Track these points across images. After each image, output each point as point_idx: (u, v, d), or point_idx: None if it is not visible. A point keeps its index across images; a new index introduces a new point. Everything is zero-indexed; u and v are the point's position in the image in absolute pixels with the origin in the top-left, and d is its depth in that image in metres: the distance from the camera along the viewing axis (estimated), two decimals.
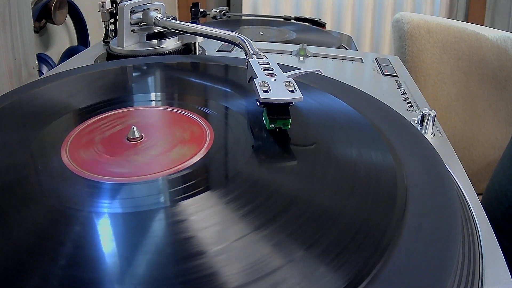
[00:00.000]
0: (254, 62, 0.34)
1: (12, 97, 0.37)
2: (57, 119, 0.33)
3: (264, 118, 0.30)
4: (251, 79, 0.32)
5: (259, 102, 0.29)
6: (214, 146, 0.29)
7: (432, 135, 0.37)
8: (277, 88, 0.30)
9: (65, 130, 0.31)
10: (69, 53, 0.85)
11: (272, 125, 0.29)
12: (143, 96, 0.37)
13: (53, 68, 0.69)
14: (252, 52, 0.38)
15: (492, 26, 1.55)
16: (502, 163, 0.55)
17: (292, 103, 0.29)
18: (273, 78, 0.31)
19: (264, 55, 0.37)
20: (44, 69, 0.76)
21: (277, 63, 0.34)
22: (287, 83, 0.30)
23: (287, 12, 1.65)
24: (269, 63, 0.34)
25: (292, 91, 0.30)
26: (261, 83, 0.30)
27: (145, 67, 0.44)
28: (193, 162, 0.27)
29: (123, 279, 0.19)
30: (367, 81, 0.51)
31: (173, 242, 0.21)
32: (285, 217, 0.22)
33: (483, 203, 0.28)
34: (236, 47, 0.54)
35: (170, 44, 0.52)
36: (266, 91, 0.29)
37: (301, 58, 0.57)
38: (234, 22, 0.98)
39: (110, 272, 0.19)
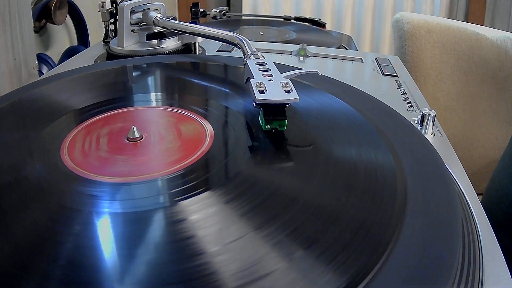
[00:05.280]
0: (251, 63, 0.34)
1: (12, 97, 0.37)
2: (57, 119, 0.33)
3: (260, 119, 0.30)
4: (248, 79, 0.32)
5: (255, 103, 0.29)
6: (214, 146, 0.29)
7: (432, 135, 0.37)
8: (273, 88, 0.30)
9: (65, 130, 0.31)
10: (69, 53, 0.85)
11: (268, 126, 0.29)
12: (143, 96, 0.37)
13: (53, 68, 0.69)
14: (250, 52, 0.38)
15: (492, 26, 1.55)
16: (503, 162, 0.55)
17: (288, 104, 0.29)
18: (269, 78, 0.31)
19: (262, 56, 0.37)
20: (44, 69, 0.76)
21: (275, 63, 0.34)
22: (283, 84, 0.30)
23: (287, 12, 1.65)
24: (266, 64, 0.34)
25: (288, 91, 0.29)
26: (257, 84, 0.30)
27: (145, 67, 0.44)
28: (193, 162, 0.27)
29: (122, 279, 0.19)
30: (367, 81, 0.51)
31: (173, 241, 0.21)
32: (284, 217, 0.22)
33: (484, 202, 0.28)
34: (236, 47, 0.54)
35: (170, 44, 0.52)
36: (262, 92, 0.29)
37: (301, 58, 0.57)
38: (234, 22, 0.98)
39: (110, 272, 0.19)
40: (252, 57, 0.37)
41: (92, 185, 0.25)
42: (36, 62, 0.64)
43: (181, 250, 0.20)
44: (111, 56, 0.53)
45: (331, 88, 0.38)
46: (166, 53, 0.52)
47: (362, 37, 1.77)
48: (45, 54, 0.80)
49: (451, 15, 1.76)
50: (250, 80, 0.31)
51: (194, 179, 0.25)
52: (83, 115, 0.34)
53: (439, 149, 0.30)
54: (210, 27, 0.48)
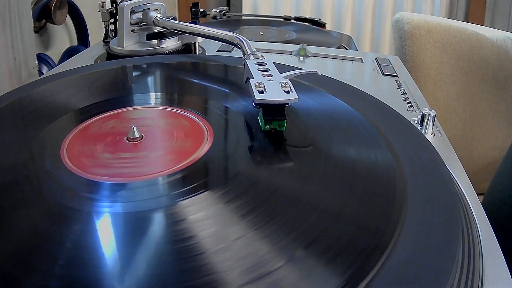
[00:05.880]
0: (251, 63, 0.34)
1: (12, 97, 0.37)
2: (57, 119, 0.33)
3: (260, 119, 0.30)
4: (248, 79, 0.32)
5: (254, 103, 0.29)
6: (214, 146, 0.29)
7: (432, 135, 0.37)
8: (272, 89, 0.30)
9: (65, 130, 0.31)
10: (69, 53, 0.85)
11: (267, 126, 0.29)
12: (143, 96, 0.37)
13: (53, 68, 0.69)
14: (249, 52, 0.38)
15: (492, 26, 1.55)
16: (506, 163, 0.55)
17: (287, 104, 0.29)
18: (269, 78, 0.31)
19: (261, 56, 0.37)
20: (44, 69, 0.76)
21: (275, 64, 0.34)
22: (283, 84, 0.30)
23: (287, 12, 1.65)
24: (266, 64, 0.34)
25: (288, 92, 0.29)
26: (257, 84, 0.30)
27: (145, 67, 0.44)
28: (193, 162, 0.27)
29: (122, 279, 0.19)
30: (367, 81, 0.51)
31: (173, 241, 0.21)
32: (284, 217, 0.22)
33: (485, 204, 0.28)
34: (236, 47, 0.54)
35: (170, 44, 0.52)
36: (261, 92, 0.29)
37: (301, 58, 0.57)
38: (234, 22, 0.98)
39: (110, 272, 0.19)
40: (251, 57, 0.37)
41: (92, 185, 0.25)
42: (36, 62, 0.64)
43: (181, 250, 0.20)
44: (111, 56, 0.53)
45: (331, 88, 0.38)
46: (166, 53, 0.52)
47: (362, 37, 1.77)
48: (45, 54, 0.80)
49: (451, 15, 1.76)
50: (250, 80, 0.31)
51: (194, 179, 0.25)
52: (83, 115, 0.34)
53: (439, 149, 0.30)
54: (210, 27, 0.48)
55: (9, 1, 0.56)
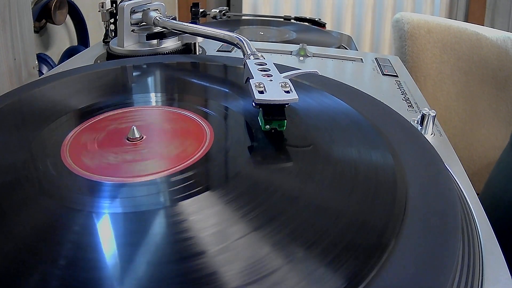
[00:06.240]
0: (251, 63, 0.34)
1: (12, 97, 0.37)
2: (57, 119, 0.33)
3: (260, 119, 0.30)
4: (248, 79, 0.32)
5: (254, 103, 0.29)
6: (214, 146, 0.29)
7: (432, 135, 0.37)
8: (272, 89, 0.30)
9: (65, 130, 0.31)
10: (69, 53, 0.85)
11: (267, 126, 0.29)
12: (143, 96, 0.37)
13: (53, 68, 0.69)
14: (249, 52, 0.38)
15: (492, 26, 1.55)
16: (499, 167, 0.55)
17: (287, 104, 0.29)
18: (269, 78, 0.31)
19: (261, 56, 0.37)
20: (44, 69, 0.76)
21: (275, 64, 0.34)
22: (283, 84, 0.30)
23: (287, 12, 1.65)
24: (266, 64, 0.34)
25: (288, 92, 0.29)
26: (257, 84, 0.30)
27: (145, 67, 0.44)
28: (193, 162, 0.27)
29: (123, 279, 0.19)
30: (367, 81, 0.51)
31: (173, 242, 0.21)
32: (285, 217, 0.22)
33: None
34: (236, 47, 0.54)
35: (170, 44, 0.52)
36: (261, 92, 0.29)
37: (301, 58, 0.57)
38: (234, 22, 0.98)
39: (110, 272, 0.19)
40: (251, 57, 0.37)
41: (92, 185, 0.25)
42: (36, 62, 0.64)
43: (181, 250, 0.20)
44: (111, 56, 0.53)
45: (330, 88, 0.38)
46: (166, 53, 0.52)
47: (362, 37, 1.77)
48: (45, 54, 0.80)
49: (451, 15, 1.76)
50: (250, 80, 0.31)
51: (194, 179, 0.25)
52: (83, 115, 0.34)
53: (439, 149, 0.30)
54: (210, 27, 0.48)
55: (9, 1, 0.56)
